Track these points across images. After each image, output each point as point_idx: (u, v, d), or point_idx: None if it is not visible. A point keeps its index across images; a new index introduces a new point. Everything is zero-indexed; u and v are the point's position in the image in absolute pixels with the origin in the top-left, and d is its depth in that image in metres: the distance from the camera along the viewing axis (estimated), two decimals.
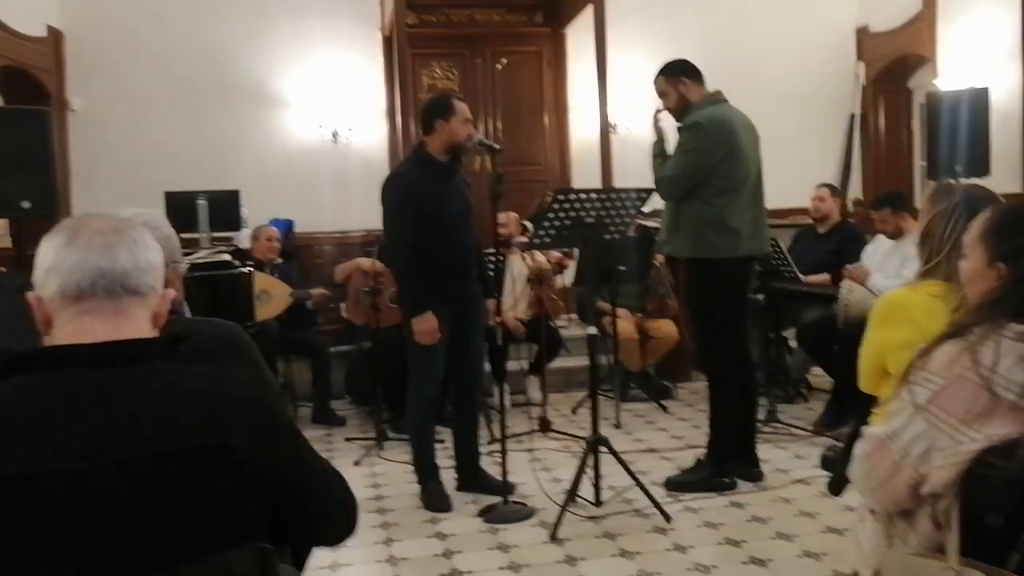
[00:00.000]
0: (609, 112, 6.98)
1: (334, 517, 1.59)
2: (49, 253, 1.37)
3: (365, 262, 5.53)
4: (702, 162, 3.92)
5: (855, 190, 7.78)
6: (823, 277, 5.54)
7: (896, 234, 5.16)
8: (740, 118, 4.12)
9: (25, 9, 6.58)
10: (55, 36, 7.01)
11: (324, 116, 7.28)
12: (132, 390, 1.32)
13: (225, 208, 6.39)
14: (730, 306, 4.07)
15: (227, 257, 4.66)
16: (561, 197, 3.69)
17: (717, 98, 4.14)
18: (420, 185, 3.91)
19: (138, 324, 1.40)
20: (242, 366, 2.01)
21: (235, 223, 6.47)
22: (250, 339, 2.15)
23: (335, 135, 7.29)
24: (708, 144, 3.92)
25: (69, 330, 1.35)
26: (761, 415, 5.07)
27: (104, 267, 1.37)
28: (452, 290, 3.95)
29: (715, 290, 4.01)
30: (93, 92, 7.05)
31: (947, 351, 1.78)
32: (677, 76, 4.15)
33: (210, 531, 1.31)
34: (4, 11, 6.23)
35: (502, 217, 5.22)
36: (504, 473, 4.01)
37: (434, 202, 3.89)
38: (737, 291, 4.11)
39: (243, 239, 6.31)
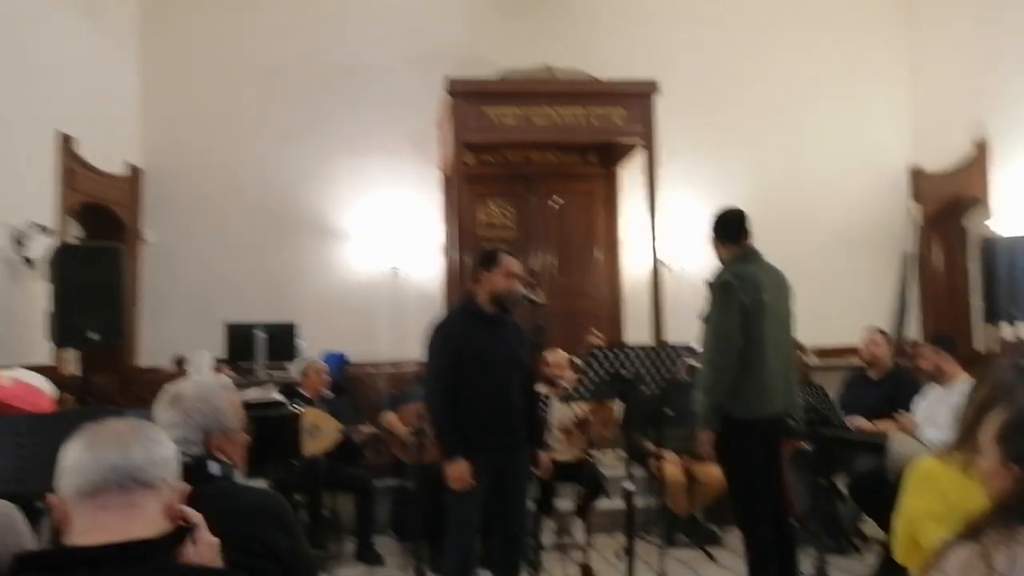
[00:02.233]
0: (660, 248, 7.10)
1: None
2: (69, 455, 1.47)
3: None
4: (731, 319, 3.95)
5: (912, 331, 7.67)
6: (869, 425, 5.42)
7: (938, 376, 5.08)
8: (770, 275, 4.16)
9: (108, 147, 7.04)
10: (134, 173, 7.45)
11: (383, 251, 7.52)
12: None
13: (282, 339, 6.60)
14: (762, 462, 4.03)
15: (278, 397, 4.78)
16: (599, 353, 3.73)
17: (746, 256, 4.18)
18: (462, 332, 4.01)
19: (150, 517, 1.48)
20: (280, 536, 2.08)
21: (290, 354, 6.65)
22: (291, 511, 2.23)
23: (395, 270, 7.50)
24: (729, 302, 3.96)
25: (83, 526, 1.44)
26: (809, 569, 4.93)
27: (118, 463, 1.46)
28: (493, 439, 3.98)
29: (746, 447, 3.98)
30: (166, 225, 7.44)
31: (962, 555, 1.76)
32: (712, 233, 4.24)
33: None
34: (88, 150, 6.67)
35: (552, 356, 5.27)
36: None
37: (475, 349, 3.97)
38: (769, 448, 4.06)
39: (296, 371, 6.47)
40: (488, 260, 4.11)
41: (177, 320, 7.18)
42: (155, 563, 1.43)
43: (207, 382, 2.38)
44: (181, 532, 1.51)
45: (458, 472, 3.90)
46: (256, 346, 6.50)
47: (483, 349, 4.01)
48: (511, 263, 4.09)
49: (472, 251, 7.40)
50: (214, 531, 1.94)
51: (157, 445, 1.53)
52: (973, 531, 1.79)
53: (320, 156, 7.65)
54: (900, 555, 2.56)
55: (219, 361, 6.47)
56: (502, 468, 4.03)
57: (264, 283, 7.38)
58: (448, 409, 3.96)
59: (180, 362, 6.55)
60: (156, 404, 2.23)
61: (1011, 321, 6.01)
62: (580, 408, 5.79)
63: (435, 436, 4.13)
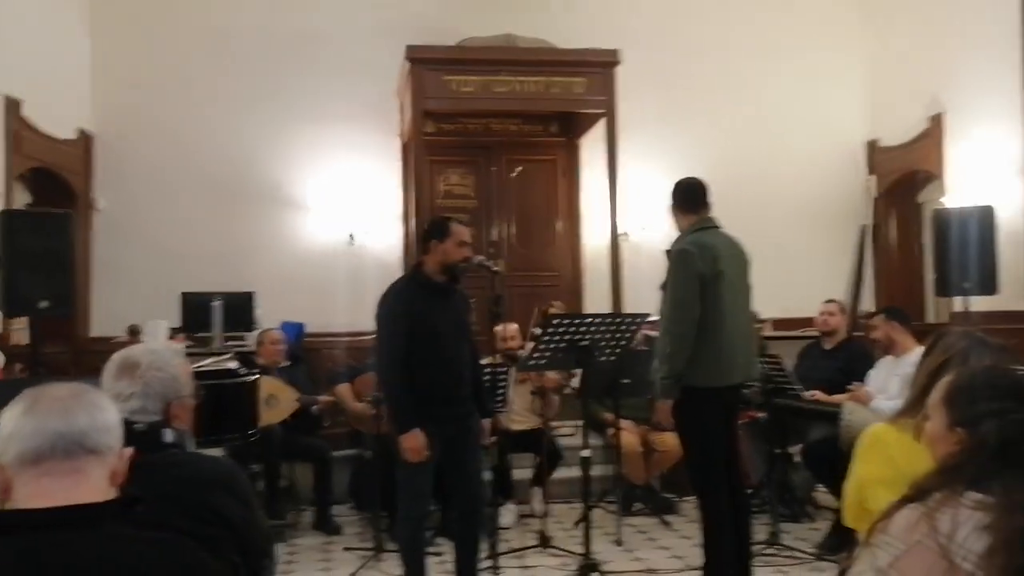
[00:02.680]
0: (620, 220, 7.11)
1: None
2: (10, 422, 1.44)
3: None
4: (688, 288, 3.96)
5: (867, 303, 7.78)
6: (824, 396, 5.50)
7: (890, 346, 5.17)
8: (727, 245, 4.18)
9: (57, 111, 6.87)
10: (85, 138, 7.29)
11: (341, 220, 7.45)
12: (83, 555, 1.36)
13: (239, 309, 6.52)
14: (719, 432, 4.07)
15: (233, 365, 4.72)
16: (556, 322, 3.73)
17: (704, 224, 4.20)
18: (412, 303, 3.99)
19: (96, 483, 1.45)
20: (234, 505, 2.05)
21: (248, 324, 6.58)
22: (246, 479, 2.20)
23: (352, 238, 7.45)
24: (688, 270, 3.97)
25: (27, 493, 1.41)
26: (764, 536, 5.01)
27: (62, 429, 1.43)
28: (444, 409, 3.97)
29: (704, 417, 4.02)
30: (119, 192, 7.30)
31: (906, 516, 1.79)
32: (672, 202, 4.25)
33: None
34: (38, 115, 6.51)
35: (503, 331, 5.27)
36: None
37: (425, 320, 3.96)
38: (726, 417, 4.11)
39: (253, 341, 6.40)
40: (439, 229, 4.07)
41: (131, 289, 7.07)
42: (103, 528, 1.40)
43: (158, 348, 2.34)
44: (131, 500, 1.48)
45: (414, 443, 3.89)
46: (213, 316, 6.41)
47: (432, 320, 3.99)
48: (462, 231, 4.05)
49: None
50: (167, 499, 1.92)
51: (100, 411, 1.50)
52: (919, 493, 1.82)
53: (277, 124, 7.53)
54: (849, 518, 2.62)
55: (175, 331, 6.38)
56: (452, 438, 4.03)
57: (221, 252, 7.28)
58: (401, 381, 3.94)
59: (134, 332, 6.46)
60: (104, 371, 2.19)
61: (962, 293, 6.11)
62: (537, 377, 5.81)
63: (388, 408, 4.12)
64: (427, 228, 4.15)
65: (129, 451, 1.56)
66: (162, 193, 7.33)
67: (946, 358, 2.50)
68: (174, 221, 7.30)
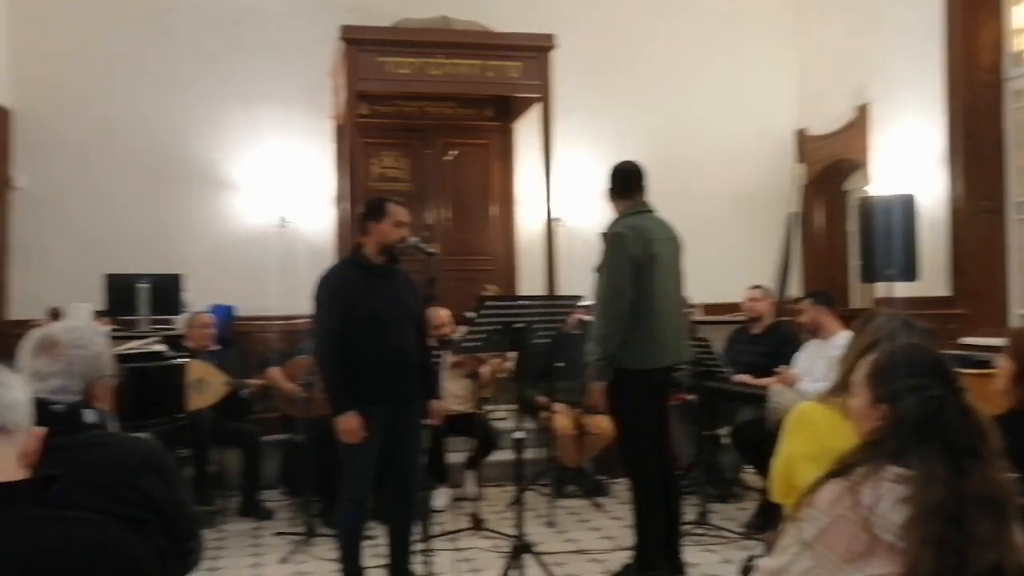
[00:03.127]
0: (555, 205, 7.14)
1: None
2: None
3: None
4: (623, 270, 4.01)
5: (794, 289, 7.94)
6: (752, 380, 5.61)
7: (816, 330, 5.30)
8: (661, 229, 4.23)
9: None
10: (3, 113, 7.03)
11: (272, 202, 7.33)
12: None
13: (167, 292, 6.38)
14: (652, 413, 4.13)
15: (160, 347, 4.63)
16: (491, 304, 3.74)
17: (639, 208, 4.24)
18: (350, 285, 3.96)
19: (2, 463, 1.40)
20: (160, 486, 2.01)
21: (175, 307, 6.44)
22: (171, 460, 2.16)
23: (283, 220, 7.33)
24: (621, 253, 4.02)
25: None
26: (693, 516, 5.10)
27: None
28: (384, 391, 3.95)
29: (637, 398, 4.07)
30: (40, 171, 7.05)
31: (831, 489, 1.84)
32: (609, 185, 4.29)
33: None
34: None
35: (434, 317, 5.26)
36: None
37: (363, 303, 3.93)
38: (658, 399, 4.18)
39: (182, 324, 6.27)
40: (376, 210, 4.04)
41: (52, 271, 6.85)
42: (16, 508, 1.35)
43: (79, 326, 2.27)
44: (45, 480, 1.43)
45: (349, 425, 3.88)
46: (139, 299, 6.26)
47: (371, 301, 3.96)
48: (399, 212, 4.04)
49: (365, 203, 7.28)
50: (89, 480, 1.87)
51: (7, 389, 1.45)
52: (843, 468, 1.87)
53: (208, 103, 7.35)
54: (776, 494, 2.68)
55: (99, 314, 6.21)
56: (394, 420, 4.01)
57: (148, 233, 7.09)
58: (337, 363, 3.92)
59: (55, 315, 6.26)
60: (21, 349, 2.12)
61: (885, 279, 6.28)
62: (472, 361, 5.81)
63: (325, 390, 4.09)
64: (364, 209, 4.12)
65: (41, 431, 1.51)
66: (86, 171, 7.10)
67: (874, 339, 2.57)
68: (98, 200, 7.08)
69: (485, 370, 5.88)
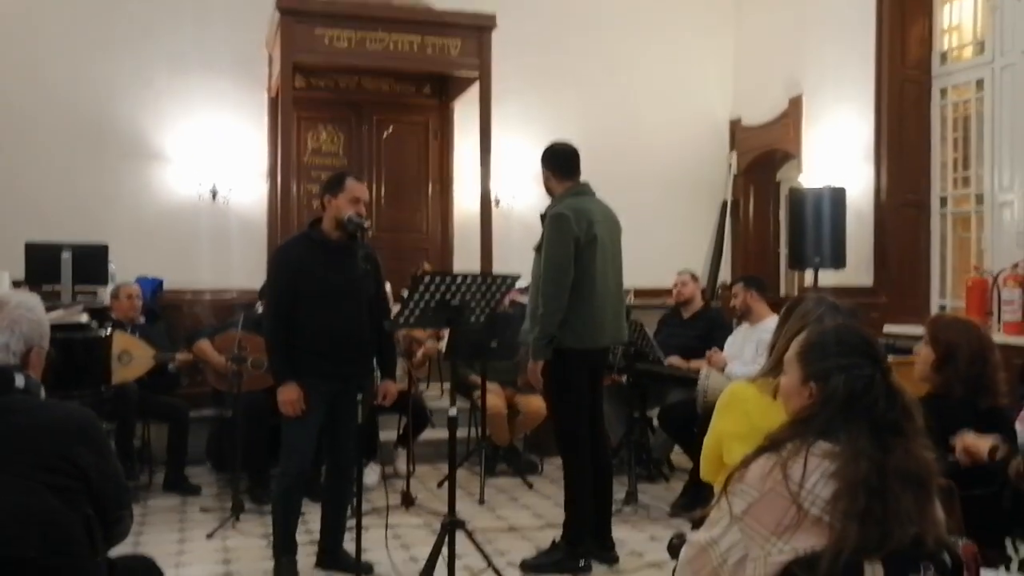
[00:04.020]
0: (492, 185, 7.13)
1: None
2: None
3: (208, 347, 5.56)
4: (564, 250, 4.03)
5: (725, 275, 8.09)
6: (683, 362, 5.70)
7: (745, 311, 5.41)
8: (601, 211, 4.26)
9: None
10: None
11: (204, 173, 7.17)
12: None
13: (91, 262, 6.19)
14: (586, 392, 4.18)
15: (84, 318, 4.50)
16: (427, 279, 3.72)
17: (580, 190, 4.27)
18: (301, 260, 3.95)
19: None
20: (88, 454, 1.98)
21: (101, 277, 6.26)
22: (101, 428, 2.14)
23: (214, 193, 7.18)
24: (564, 233, 4.04)
25: None
26: (622, 495, 5.18)
27: None
28: (328, 366, 3.93)
29: (572, 377, 4.11)
30: None
31: (761, 464, 1.88)
32: (544, 164, 4.30)
33: None
34: None
35: None
36: (358, 552, 3.93)
37: (313, 278, 3.92)
38: (593, 378, 4.22)
39: (107, 295, 6.11)
40: (334, 184, 4.03)
41: None
42: None
43: (24, 294, 2.28)
44: None
45: (289, 396, 3.87)
46: (62, 268, 6.06)
47: (324, 277, 3.94)
48: (357, 188, 4.03)
49: (299, 177, 7.18)
50: (16, 446, 1.82)
51: None
52: (773, 444, 1.92)
53: (139, 69, 7.13)
54: (706, 472, 2.74)
55: (18, 283, 6.00)
56: (336, 397, 3.99)
57: (72, 202, 6.87)
58: (280, 334, 3.92)
59: None
60: None
61: (813, 267, 6.43)
62: (407, 339, 5.79)
63: (269, 361, 4.09)
64: (325, 183, 4.13)
65: None
66: (7, 136, 6.83)
67: (803, 320, 2.64)
68: (18, 165, 6.82)
69: (420, 352, 5.87)
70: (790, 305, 2.84)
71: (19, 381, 1.98)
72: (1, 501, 1.35)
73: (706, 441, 2.73)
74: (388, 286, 5.86)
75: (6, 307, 2.06)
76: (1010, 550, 2.87)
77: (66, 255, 6.04)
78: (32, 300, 2.19)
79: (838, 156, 6.89)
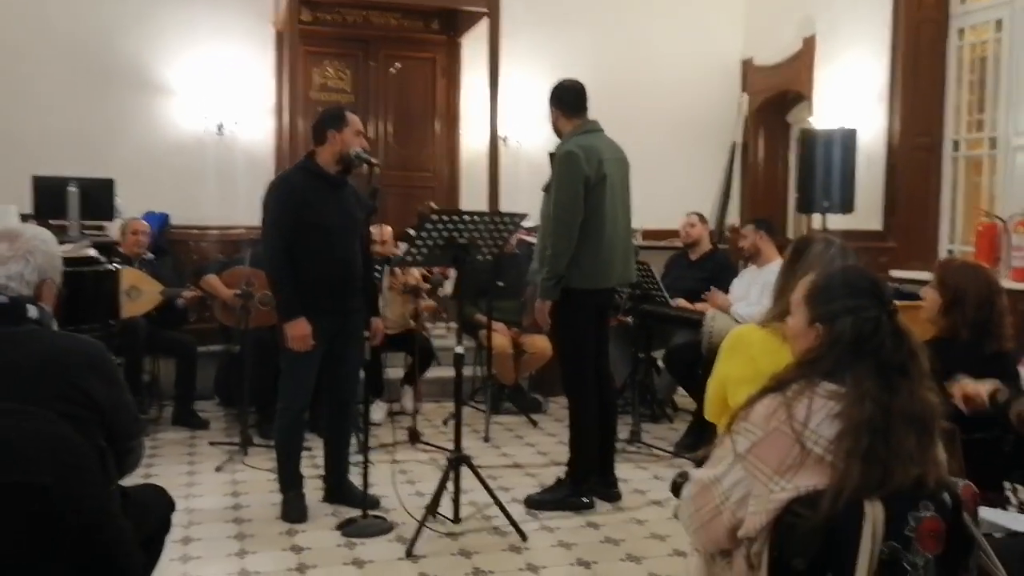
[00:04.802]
0: (500, 124, 7.07)
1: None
2: None
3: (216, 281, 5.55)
4: (574, 190, 4.00)
5: (733, 218, 8.04)
6: (689, 304, 5.70)
7: (754, 254, 5.39)
8: (610, 149, 4.22)
9: None
10: None
11: (210, 108, 7.11)
12: None
13: (98, 197, 6.17)
14: (592, 332, 4.19)
15: (92, 252, 4.51)
16: (435, 217, 3.71)
17: (589, 127, 4.22)
18: (302, 193, 3.91)
19: None
20: (100, 385, 2.00)
21: (108, 213, 6.25)
22: (112, 360, 2.15)
23: (220, 128, 7.13)
24: (574, 172, 4.00)
25: None
26: (625, 434, 5.23)
27: None
28: (329, 302, 3.94)
29: (579, 318, 4.12)
30: None
31: (766, 404, 1.90)
32: (552, 103, 4.25)
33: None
34: None
35: (376, 232, 5.22)
36: (366, 486, 4.01)
37: (316, 212, 3.89)
38: (599, 318, 4.23)
39: (114, 230, 6.11)
40: (336, 119, 3.98)
41: None
42: None
43: (39, 228, 2.28)
44: None
45: (299, 331, 3.87)
46: (69, 203, 6.04)
47: (322, 211, 3.92)
48: (358, 121, 4.00)
49: (305, 113, 7.11)
50: (29, 375, 1.84)
51: None
52: (778, 384, 1.93)
53: (142, 3, 7.03)
54: (710, 414, 2.76)
55: (25, 217, 6.00)
56: (337, 332, 4.01)
57: (78, 136, 6.83)
58: (287, 268, 3.88)
59: None
60: None
61: (821, 211, 6.38)
62: (412, 276, 5.80)
63: (274, 296, 4.07)
64: (321, 118, 4.05)
65: None
66: (11, 69, 6.76)
67: (810, 262, 2.64)
68: (24, 98, 6.76)
69: (422, 307, 5.88)
70: (796, 246, 2.82)
71: (32, 312, 2.00)
72: (17, 428, 1.37)
73: (710, 383, 2.74)
74: (390, 229, 5.88)
75: (21, 237, 2.07)
76: (1009, 492, 2.91)
77: (72, 189, 6.02)
78: (46, 233, 2.19)
79: (851, 97, 6.80)
